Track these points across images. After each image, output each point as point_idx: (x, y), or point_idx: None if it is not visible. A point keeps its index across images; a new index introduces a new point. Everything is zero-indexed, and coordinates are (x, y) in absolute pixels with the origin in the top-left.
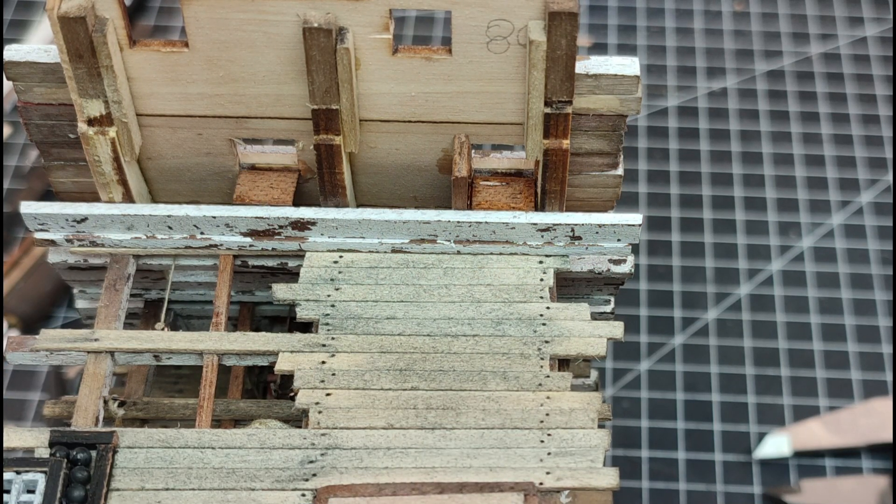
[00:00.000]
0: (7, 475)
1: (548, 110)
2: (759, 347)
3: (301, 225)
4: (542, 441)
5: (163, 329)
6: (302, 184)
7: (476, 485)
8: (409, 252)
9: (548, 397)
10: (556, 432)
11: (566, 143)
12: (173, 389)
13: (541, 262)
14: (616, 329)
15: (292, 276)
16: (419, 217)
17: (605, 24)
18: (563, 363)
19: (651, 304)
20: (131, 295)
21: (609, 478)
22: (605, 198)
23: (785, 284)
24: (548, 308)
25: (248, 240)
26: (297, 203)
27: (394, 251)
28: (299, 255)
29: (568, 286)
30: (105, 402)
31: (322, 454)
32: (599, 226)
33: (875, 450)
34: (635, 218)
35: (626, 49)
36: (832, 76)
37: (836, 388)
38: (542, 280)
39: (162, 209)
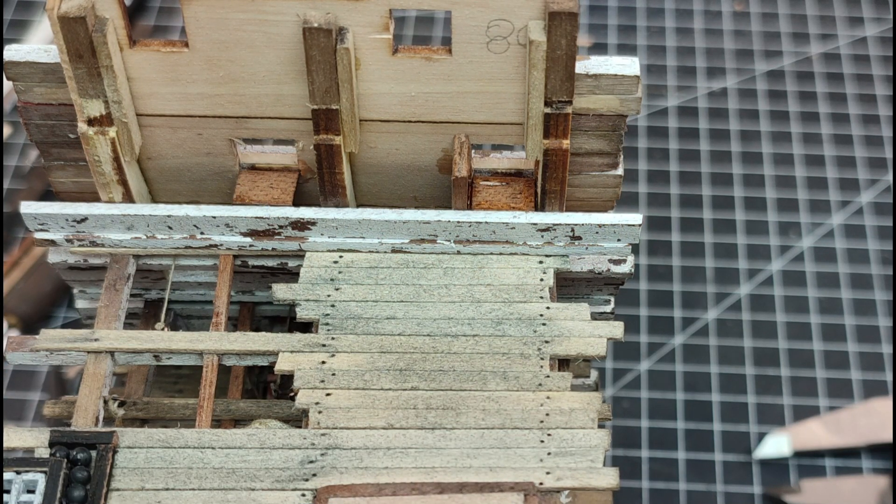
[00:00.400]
0: (7, 475)
1: (548, 110)
2: (759, 347)
3: (301, 225)
4: (542, 441)
5: (163, 329)
6: (302, 184)
7: (476, 485)
8: (409, 252)
9: (548, 397)
10: (556, 432)
11: (566, 143)
12: (173, 389)
13: (541, 262)
14: (616, 329)
15: (292, 276)
16: (419, 217)
17: (605, 24)
18: (563, 363)
19: (651, 304)
20: (131, 295)
21: (609, 478)
22: (605, 198)
23: (785, 284)
24: (548, 308)
25: (248, 240)
26: (297, 203)
27: (394, 251)
28: (299, 255)
29: (568, 286)
30: (105, 402)
31: (322, 454)
32: (599, 226)
33: (875, 450)
34: (635, 218)
35: (626, 49)
36: (832, 76)
37: (836, 388)
38: (542, 280)
39: (162, 209)
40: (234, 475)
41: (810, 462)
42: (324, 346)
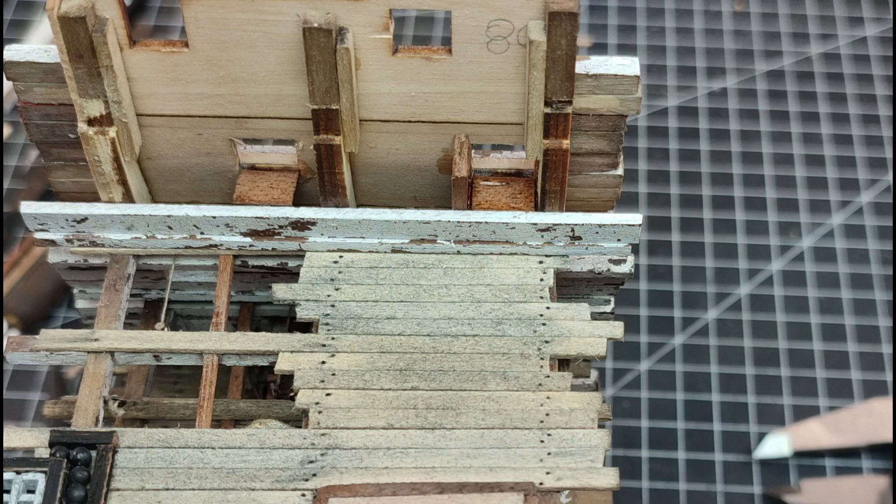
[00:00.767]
0: (7, 475)
1: (548, 110)
2: (759, 347)
3: (301, 225)
4: (542, 441)
5: (163, 329)
6: (302, 184)
7: (476, 485)
8: (409, 252)
9: (548, 397)
10: (556, 432)
11: (566, 143)
12: (173, 389)
13: (541, 262)
14: (616, 329)
15: (292, 276)
16: (419, 217)
17: (605, 24)
18: (563, 363)
19: (651, 304)
20: (131, 295)
21: (609, 478)
22: (605, 198)
23: (785, 284)
24: (548, 308)
25: (248, 240)
26: (297, 203)
27: (394, 251)
28: (299, 255)
29: (568, 286)
30: (105, 402)
31: (322, 454)
32: (599, 226)
33: (875, 450)
34: (635, 218)
35: (626, 49)
36: (832, 76)
37: (836, 388)
38: (542, 280)
39: (162, 209)
40: (234, 475)
41: (810, 462)
42: (324, 346)
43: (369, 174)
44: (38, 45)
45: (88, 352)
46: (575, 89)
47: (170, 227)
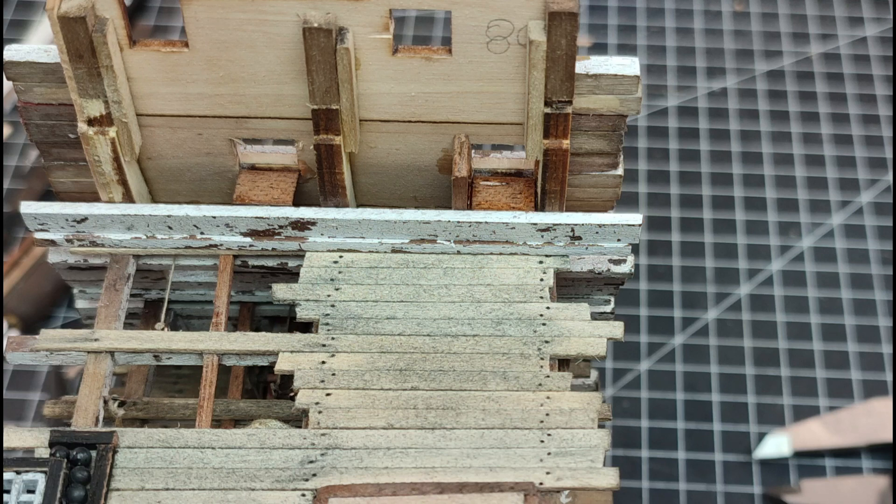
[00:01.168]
0: (7, 475)
1: (548, 110)
2: (759, 347)
3: (301, 225)
4: (542, 441)
5: (163, 329)
6: (302, 184)
7: (476, 485)
8: (409, 252)
9: (548, 397)
10: (556, 432)
11: (566, 143)
12: (173, 389)
13: (541, 262)
14: (616, 329)
15: (292, 276)
16: (419, 217)
17: (605, 24)
18: (563, 363)
19: (651, 304)
20: (131, 295)
21: (609, 478)
22: (605, 198)
23: (785, 284)
24: (548, 308)
25: (248, 240)
26: (297, 203)
27: (394, 251)
28: (299, 255)
29: (568, 286)
30: (105, 402)
31: (322, 454)
32: (599, 226)
33: (875, 450)
34: (635, 218)
35: (626, 49)
36: (832, 76)
37: (836, 388)
38: (542, 280)
39: (162, 209)
40: (234, 475)
41: (810, 462)
42: (324, 346)
43: (369, 174)
44: (38, 45)
45: (88, 352)
46: (575, 89)
47: (170, 227)
